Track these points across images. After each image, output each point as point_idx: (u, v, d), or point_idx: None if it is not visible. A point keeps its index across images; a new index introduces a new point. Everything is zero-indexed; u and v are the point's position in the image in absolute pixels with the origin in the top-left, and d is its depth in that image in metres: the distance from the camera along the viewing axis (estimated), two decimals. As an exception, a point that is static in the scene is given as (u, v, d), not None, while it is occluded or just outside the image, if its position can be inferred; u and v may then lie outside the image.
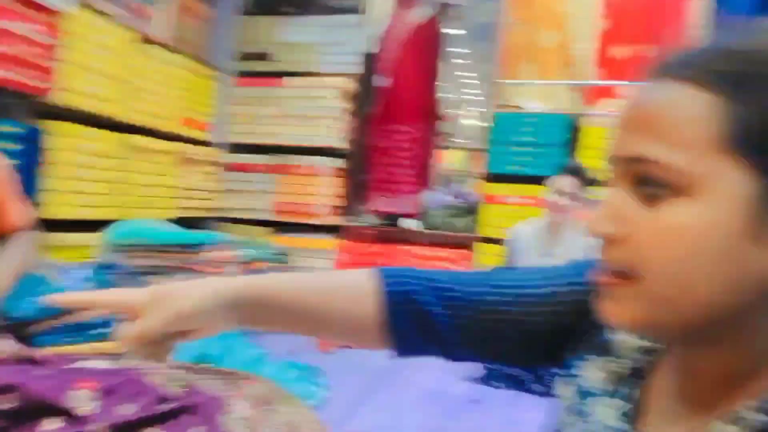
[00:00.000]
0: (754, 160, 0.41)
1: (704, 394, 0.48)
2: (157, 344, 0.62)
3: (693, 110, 0.42)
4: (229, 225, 3.68)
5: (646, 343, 0.56)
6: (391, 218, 3.65)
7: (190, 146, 3.38)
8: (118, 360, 1.28)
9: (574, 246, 2.33)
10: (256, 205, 3.69)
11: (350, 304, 0.66)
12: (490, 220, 3.32)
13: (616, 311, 0.47)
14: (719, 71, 0.42)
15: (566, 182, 2.31)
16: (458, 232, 3.46)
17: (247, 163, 3.75)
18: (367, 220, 3.73)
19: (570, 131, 3.27)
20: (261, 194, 3.69)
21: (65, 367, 1.14)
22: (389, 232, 3.62)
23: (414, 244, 3.49)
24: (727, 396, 0.46)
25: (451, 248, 3.44)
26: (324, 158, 3.62)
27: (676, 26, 3.10)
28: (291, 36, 3.73)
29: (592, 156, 3.09)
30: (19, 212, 1.50)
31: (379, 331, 0.68)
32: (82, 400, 1.08)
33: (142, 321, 0.60)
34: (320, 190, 3.58)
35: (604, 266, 0.47)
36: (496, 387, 2.05)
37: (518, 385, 2.04)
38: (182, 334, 0.63)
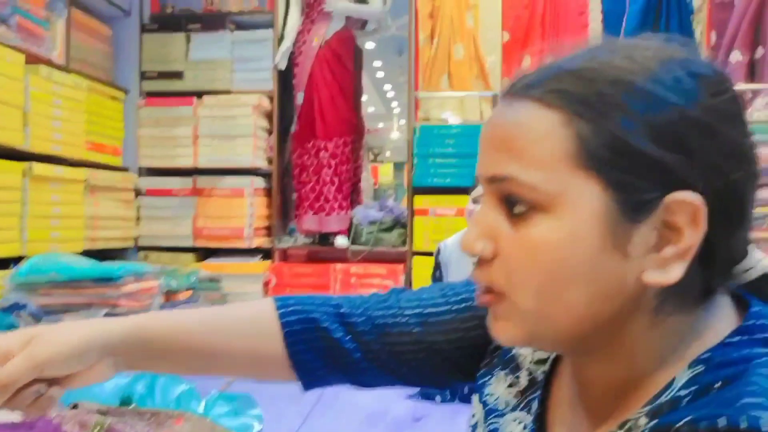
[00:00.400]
0: (603, 174, 0.42)
1: (599, 404, 0.49)
2: (27, 394, 0.54)
3: (541, 129, 0.44)
4: (149, 254, 3.48)
5: (541, 355, 0.57)
6: (322, 237, 3.59)
7: (99, 172, 3.16)
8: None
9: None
10: (177, 232, 3.51)
11: (248, 338, 0.64)
12: (421, 233, 3.33)
13: (498, 328, 0.48)
14: (560, 90, 0.44)
15: (481, 191, 2.35)
16: (390, 247, 3.45)
17: (164, 188, 3.57)
18: (296, 240, 3.64)
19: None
20: (181, 219, 3.51)
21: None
22: (320, 252, 3.55)
23: (347, 262, 3.44)
24: (620, 404, 0.47)
25: (384, 263, 3.42)
26: (245, 178, 3.50)
27: (575, 37, 3.28)
28: (200, 53, 3.60)
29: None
30: None
31: (282, 364, 0.66)
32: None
33: (3, 368, 0.53)
34: (244, 211, 3.46)
35: (480, 285, 0.48)
36: (436, 401, 2.04)
37: (458, 396, 2.04)
38: (56, 381, 0.56)
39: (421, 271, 3.23)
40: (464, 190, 2.85)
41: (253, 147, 3.48)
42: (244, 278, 3.39)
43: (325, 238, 3.57)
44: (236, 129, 3.49)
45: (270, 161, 3.64)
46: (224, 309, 0.68)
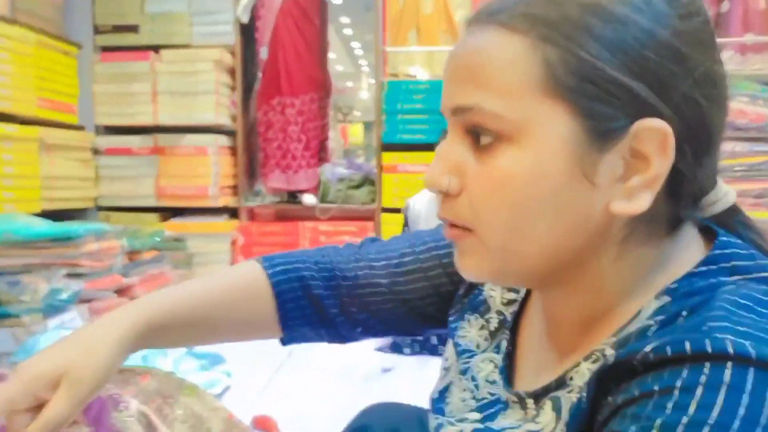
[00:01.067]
0: (571, 101, 0.41)
1: (568, 338, 0.49)
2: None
3: (504, 55, 0.42)
4: (111, 214, 3.38)
5: (510, 296, 0.58)
6: (289, 195, 3.54)
7: (54, 130, 3.03)
8: None
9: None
10: (139, 191, 3.40)
11: (246, 304, 0.67)
12: (390, 190, 3.31)
13: (465, 264, 0.48)
14: (528, 14, 0.42)
15: None
16: (359, 205, 3.43)
17: (123, 147, 3.44)
18: (263, 198, 3.59)
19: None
20: (142, 179, 3.41)
21: None
22: (288, 210, 3.51)
23: (315, 220, 3.41)
24: (589, 337, 0.47)
25: (353, 221, 3.40)
26: (209, 136, 3.40)
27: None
28: (156, 6, 3.43)
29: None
30: None
31: (271, 324, 0.68)
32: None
33: (49, 410, 0.53)
34: (208, 170, 3.37)
35: (446, 221, 0.47)
36: (406, 353, 2.06)
37: (426, 348, 2.06)
38: None
39: (391, 229, 3.23)
40: (433, 147, 2.82)
41: (215, 104, 3.37)
42: (210, 238, 3.34)
43: (293, 197, 3.53)
44: (197, 85, 3.36)
45: (234, 118, 3.53)
46: (218, 279, 0.68)
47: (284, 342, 0.71)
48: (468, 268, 0.48)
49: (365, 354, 2.00)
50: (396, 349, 2.09)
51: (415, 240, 0.69)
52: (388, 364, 1.94)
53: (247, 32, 3.49)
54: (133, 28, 3.45)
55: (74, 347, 0.56)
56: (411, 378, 1.80)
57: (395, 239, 0.72)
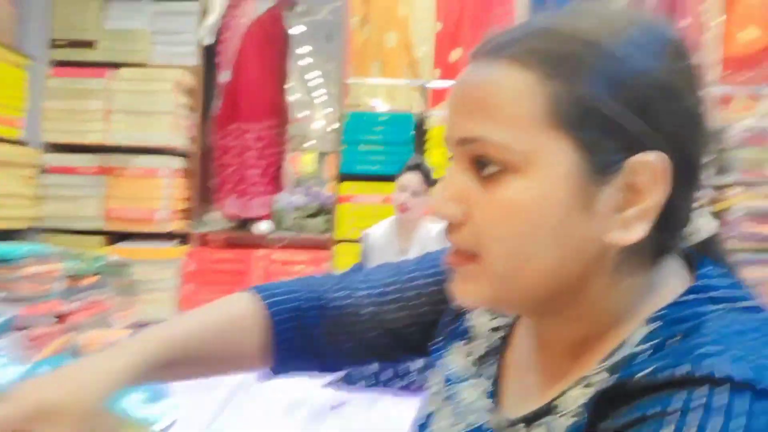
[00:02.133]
0: (574, 135, 0.43)
1: (557, 364, 0.50)
2: None
3: (513, 89, 0.44)
4: (52, 236, 3.22)
5: (497, 322, 0.59)
6: (242, 222, 3.47)
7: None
8: None
9: (427, 242, 2.38)
10: (84, 213, 3.26)
11: (242, 336, 0.67)
12: (346, 221, 3.30)
13: (464, 290, 0.49)
14: (535, 49, 0.44)
15: (408, 179, 2.36)
16: (315, 234, 3.40)
17: (69, 166, 3.31)
18: (215, 224, 3.50)
19: (415, 130, 3.38)
20: (89, 200, 3.27)
21: None
22: (241, 237, 3.44)
23: (268, 248, 3.35)
24: (578, 363, 0.48)
25: (307, 250, 3.36)
26: (162, 158, 3.31)
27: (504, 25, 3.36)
28: (116, 22, 3.36)
29: (439, 154, 3.23)
30: None
31: (265, 353, 0.68)
32: None
33: None
34: (160, 193, 3.27)
35: (450, 247, 0.49)
36: (357, 388, 2.02)
37: (378, 383, 2.03)
38: None
39: (345, 259, 3.21)
40: (391, 178, 2.85)
41: (171, 125, 3.30)
42: (158, 264, 3.22)
43: (246, 223, 3.46)
44: (154, 105, 3.29)
45: (192, 141, 3.47)
46: (214, 312, 0.68)
47: (275, 372, 0.71)
48: (467, 294, 0.49)
49: (313, 390, 1.94)
50: (346, 382, 2.05)
51: (399, 269, 0.70)
52: (337, 401, 1.89)
53: (209, 54, 3.46)
54: (89, 44, 3.37)
55: (62, 381, 0.52)
56: (361, 416, 1.76)
57: (379, 268, 0.73)
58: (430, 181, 2.38)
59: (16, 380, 1.54)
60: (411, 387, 1.95)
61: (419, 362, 2.00)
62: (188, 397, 1.71)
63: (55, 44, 3.37)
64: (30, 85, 3.19)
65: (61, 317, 2.23)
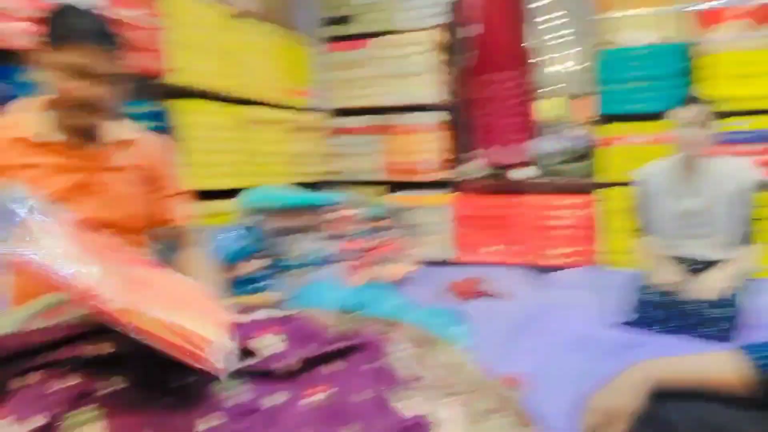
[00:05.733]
0: None
1: None
2: None
3: None
4: (342, 187, 3.78)
5: None
6: (502, 169, 3.59)
7: (299, 114, 3.47)
8: (274, 308, 1.37)
9: (721, 179, 2.16)
10: (366, 167, 3.76)
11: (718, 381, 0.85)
12: (609, 163, 3.17)
13: None
14: None
15: (693, 113, 2.12)
16: (576, 178, 3.33)
17: (352, 127, 3.82)
18: (477, 172, 3.69)
19: (685, 60, 3.03)
20: (369, 155, 3.75)
21: (247, 316, 1.24)
22: (502, 184, 3.55)
23: (529, 194, 3.41)
24: None
25: (569, 195, 3.33)
26: (425, 114, 3.59)
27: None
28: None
29: (715, 85, 2.86)
30: (183, 207, 1.43)
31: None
32: (273, 342, 1.17)
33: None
34: (426, 146, 3.58)
35: None
36: (650, 331, 1.97)
37: (677, 328, 1.95)
38: None
39: (611, 203, 3.10)
40: (654, 116, 2.63)
41: (431, 83, 3.55)
42: (432, 209, 3.55)
43: (505, 170, 3.57)
44: (412, 66, 3.57)
45: (450, 96, 3.68)
46: (703, 361, 0.90)
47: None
48: None
49: (603, 327, 1.96)
50: (639, 324, 2.01)
51: None
52: (630, 340, 1.87)
53: (455, 11, 3.58)
54: (349, 18, 3.77)
55: (614, 391, 0.86)
56: (660, 355, 1.73)
57: None
58: (711, 115, 2.14)
59: (344, 300, 1.91)
60: (716, 335, 1.85)
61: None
62: (482, 324, 1.91)
63: (324, 22, 3.85)
64: (311, 60, 3.74)
65: (363, 253, 2.67)
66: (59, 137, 1.17)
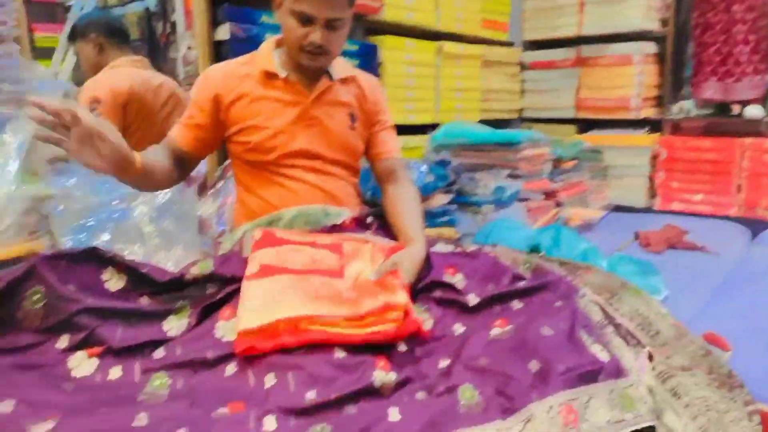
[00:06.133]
0: None
1: None
2: None
3: None
4: (531, 125, 3.65)
5: None
6: (723, 107, 3.12)
7: (491, 48, 3.37)
8: (456, 243, 1.39)
9: None
10: (559, 104, 3.55)
11: None
12: None
13: None
14: None
15: None
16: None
17: (546, 60, 3.60)
18: (689, 111, 3.27)
19: None
20: (563, 91, 3.53)
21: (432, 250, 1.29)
22: (723, 124, 3.10)
23: (758, 136, 2.93)
24: None
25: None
26: (635, 44, 3.23)
27: None
28: None
29: None
30: (394, 141, 1.47)
31: None
32: (457, 279, 1.22)
33: None
34: (631, 80, 3.24)
35: None
36: None
37: None
38: None
39: None
40: None
41: (644, 8, 3.16)
42: (628, 151, 3.26)
43: (727, 109, 3.10)
44: (626, -10, 3.20)
45: (664, 23, 3.26)
46: None
47: None
48: None
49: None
50: None
51: None
52: None
53: None
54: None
55: None
56: None
57: None
58: None
59: (528, 240, 1.88)
60: None
61: None
62: (680, 278, 1.76)
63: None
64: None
65: (548, 194, 2.58)
66: (287, 74, 1.29)
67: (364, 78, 1.44)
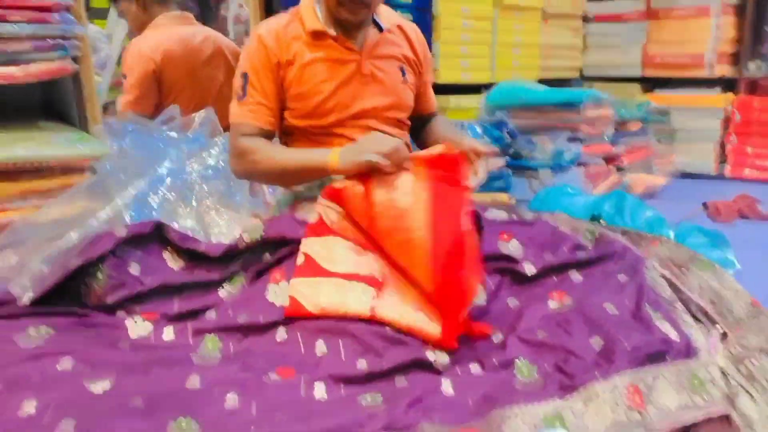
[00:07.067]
0: None
1: None
2: None
3: None
4: (594, 84, 3.45)
5: None
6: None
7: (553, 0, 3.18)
8: (511, 210, 1.32)
9: None
10: (624, 61, 3.34)
11: None
12: None
13: None
14: None
15: None
16: None
17: (613, 13, 3.38)
18: (770, 68, 3.02)
19: None
20: (629, 47, 3.31)
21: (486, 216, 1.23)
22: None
23: None
24: None
25: None
26: (711, -6, 2.98)
27: None
28: None
29: None
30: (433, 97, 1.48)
31: None
32: (513, 247, 1.16)
33: None
34: (707, 35, 3.00)
35: None
36: None
37: None
38: None
39: None
40: None
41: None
42: (699, 112, 3.04)
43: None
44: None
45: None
46: None
47: None
48: None
49: None
50: None
51: None
52: None
53: None
54: None
55: None
56: None
57: None
58: None
59: (589, 207, 1.80)
60: None
61: None
62: (754, 252, 1.65)
63: None
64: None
65: (610, 158, 2.45)
66: (333, 30, 1.24)
67: (410, 27, 1.37)
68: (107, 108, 2.01)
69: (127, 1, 2.00)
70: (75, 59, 1.24)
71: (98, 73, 2.47)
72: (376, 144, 1.07)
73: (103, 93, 2.15)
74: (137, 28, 2.03)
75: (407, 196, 1.03)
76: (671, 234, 1.64)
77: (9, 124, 1.26)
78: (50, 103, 1.47)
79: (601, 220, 1.70)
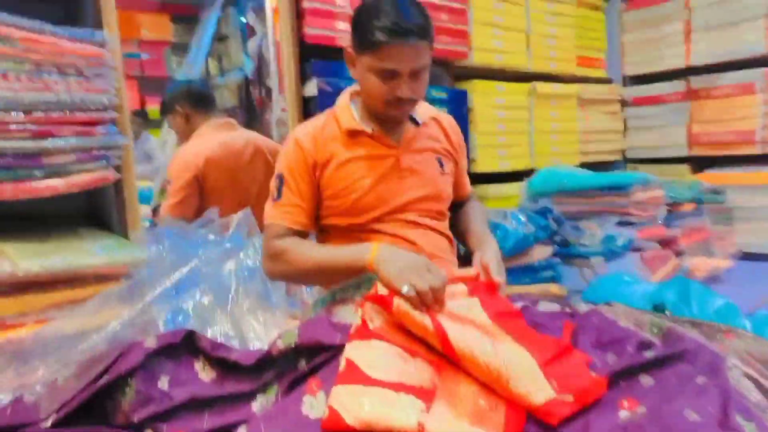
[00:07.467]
0: None
1: None
2: None
3: None
4: (638, 166, 3.37)
5: None
6: None
7: (588, 86, 3.20)
8: (563, 302, 1.21)
9: None
10: (668, 141, 3.27)
11: None
12: None
13: None
14: None
15: None
16: None
17: (651, 95, 3.35)
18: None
19: None
20: (672, 127, 3.25)
21: (534, 308, 1.13)
22: None
23: None
24: None
25: None
26: (756, 71, 2.92)
27: None
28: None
29: None
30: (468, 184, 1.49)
31: None
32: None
33: None
34: (754, 110, 2.91)
35: None
36: None
37: None
38: None
39: None
40: None
41: (763, 29, 2.86)
42: (756, 190, 2.89)
43: None
44: (740, 12, 2.93)
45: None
46: None
47: None
48: None
49: None
50: None
51: None
52: None
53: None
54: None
55: None
56: None
57: None
58: None
59: (648, 296, 1.66)
60: None
61: None
62: None
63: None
64: (607, 23, 3.38)
65: (665, 242, 2.32)
66: (370, 128, 1.23)
67: (445, 118, 1.38)
68: (156, 210, 2.07)
69: (171, 115, 2.11)
70: (117, 168, 1.26)
71: (151, 179, 2.59)
72: (416, 274, 0.99)
73: (155, 197, 2.23)
74: (183, 137, 2.13)
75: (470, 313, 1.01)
76: (747, 324, 1.48)
77: (49, 231, 1.27)
78: (92, 209, 1.49)
79: (666, 311, 1.56)
